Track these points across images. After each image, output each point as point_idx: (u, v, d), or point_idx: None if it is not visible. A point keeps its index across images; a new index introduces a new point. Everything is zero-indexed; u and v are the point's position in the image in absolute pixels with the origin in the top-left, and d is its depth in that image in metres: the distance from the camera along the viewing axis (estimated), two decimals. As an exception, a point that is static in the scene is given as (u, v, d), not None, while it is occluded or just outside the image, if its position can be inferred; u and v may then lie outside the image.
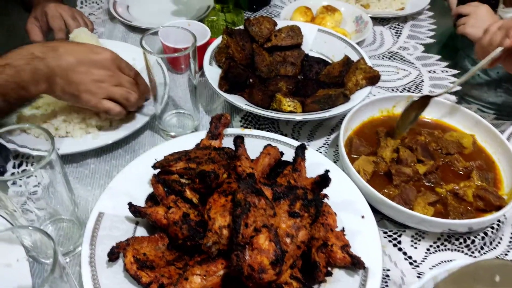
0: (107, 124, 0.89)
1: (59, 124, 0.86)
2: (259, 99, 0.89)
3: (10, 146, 0.82)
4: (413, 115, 0.88)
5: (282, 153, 0.76)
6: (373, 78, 0.93)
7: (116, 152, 0.89)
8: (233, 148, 0.75)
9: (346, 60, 1.00)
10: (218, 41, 1.04)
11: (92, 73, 0.80)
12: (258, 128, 0.96)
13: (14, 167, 0.83)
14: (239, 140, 0.74)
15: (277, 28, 1.09)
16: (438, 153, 0.84)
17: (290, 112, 0.90)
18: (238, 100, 0.90)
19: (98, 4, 1.33)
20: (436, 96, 0.90)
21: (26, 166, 0.84)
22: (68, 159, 0.86)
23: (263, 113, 0.86)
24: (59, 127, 0.86)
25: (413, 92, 1.09)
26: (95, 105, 0.82)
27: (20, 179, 0.73)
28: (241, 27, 1.08)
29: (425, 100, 0.89)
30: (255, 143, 0.82)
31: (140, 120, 0.90)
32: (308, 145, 0.92)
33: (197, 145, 0.78)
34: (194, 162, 0.68)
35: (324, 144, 0.93)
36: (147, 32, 0.83)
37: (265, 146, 0.75)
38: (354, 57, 1.03)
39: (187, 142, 0.81)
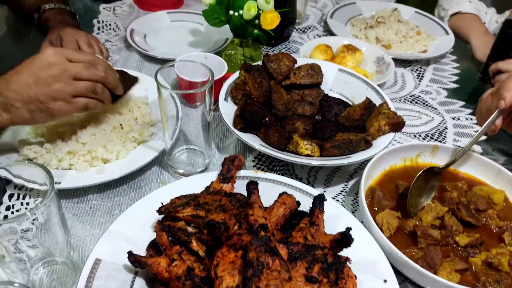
0: (113, 157, 0.85)
1: (63, 155, 0.81)
2: (275, 140, 0.84)
3: (5, 175, 0.77)
4: (424, 190, 0.80)
5: (298, 203, 0.70)
6: (397, 125, 0.88)
7: (121, 188, 0.83)
8: (245, 194, 0.69)
9: (368, 103, 0.95)
10: (235, 76, 1.00)
11: (44, 79, 0.72)
12: (272, 170, 0.90)
13: (10, 198, 0.78)
14: (252, 186, 0.68)
15: (296, 65, 1.06)
16: (480, 215, 0.78)
17: (307, 155, 0.85)
18: (252, 140, 0.85)
19: (115, 31, 1.32)
20: (443, 168, 0.82)
21: (23, 198, 0.79)
22: (69, 193, 0.81)
23: (279, 156, 0.81)
24: (63, 158, 0.82)
25: (436, 140, 1.03)
26: (69, 110, 0.76)
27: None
28: (259, 63, 1.04)
29: (432, 173, 0.82)
30: (269, 188, 0.76)
31: (148, 155, 0.86)
32: (324, 191, 0.86)
33: (207, 188, 0.72)
34: (203, 209, 0.62)
35: (342, 191, 0.87)
36: (163, 66, 0.79)
37: (280, 194, 0.69)
38: (376, 100, 0.98)
39: (197, 183, 0.75)
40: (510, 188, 0.83)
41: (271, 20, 0.97)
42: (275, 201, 0.68)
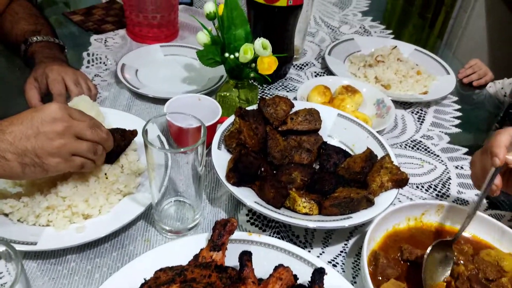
0: (96, 212, 0.78)
1: (42, 211, 0.75)
2: (271, 197, 0.79)
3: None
4: (438, 262, 0.74)
5: (296, 277, 0.64)
6: (400, 181, 0.83)
7: (102, 247, 0.77)
8: (237, 264, 0.63)
9: (369, 154, 0.90)
10: (229, 121, 0.95)
11: (46, 133, 0.68)
12: (267, 226, 0.85)
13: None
14: (245, 257, 0.62)
15: (293, 109, 1.01)
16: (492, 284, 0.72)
17: (305, 214, 0.79)
18: (246, 195, 0.80)
19: (105, 65, 1.26)
20: (453, 240, 0.76)
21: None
22: (45, 253, 0.74)
23: (274, 216, 0.75)
24: (41, 214, 0.75)
25: (440, 191, 0.98)
26: (64, 168, 0.71)
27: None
28: (255, 106, 0.99)
29: (443, 244, 0.76)
30: (263, 253, 0.70)
31: (133, 210, 0.79)
32: (323, 252, 0.81)
33: (196, 256, 0.66)
34: (190, 287, 0.56)
35: (342, 251, 0.81)
36: (151, 119, 0.74)
37: (276, 268, 0.63)
38: (377, 150, 0.93)
39: (185, 247, 0.69)
40: (519, 253, 0.77)
41: (268, 65, 0.93)
42: (270, 275, 0.62)
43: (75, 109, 0.74)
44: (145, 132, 0.70)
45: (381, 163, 0.87)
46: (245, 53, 0.92)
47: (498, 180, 0.74)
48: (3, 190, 0.80)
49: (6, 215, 0.76)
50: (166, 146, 0.89)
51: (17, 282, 0.47)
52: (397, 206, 0.79)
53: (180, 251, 0.69)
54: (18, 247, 0.70)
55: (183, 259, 0.66)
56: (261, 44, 0.90)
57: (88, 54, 1.29)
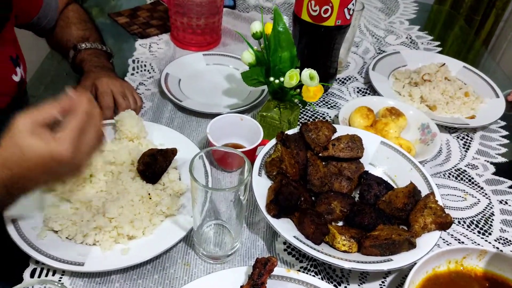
0: (140, 233, 0.81)
1: (89, 231, 0.78)
2: (311, 233, 0.79)
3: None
4: None
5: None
6: (444, 224, 0.81)
7: (144, 269, 0.80)
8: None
9: (413, 190, 0.88)
10: (270, 144, 0.95)
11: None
12: (304, 255, 0.85)
13: (32, 276, 0.76)
14: (285, 301, 0.63)
15: (335, 135, 1.00)
16: None
17: (344, 251, 0.79)
18: (286, 228, 0.80)
19: (149, 73, 1.28)
20: None
21: (46, 275, 0.76)
22: (92, 272, 0.77)
23: (313, 254, 0.75)
24: (89, 234, 0.78)
25: (482, 228, 0.95)
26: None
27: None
28: (296, 130, 0.99)
29: None
30: (301, 291, 0.71)
31: (175, 234, 0.82)
32: (359, 289, 0.80)
33: (236, 293, 0.68)
34: (231, 331, 0.58)
35: (378, 289, 0.81)
36: (200, 152, 0.75)
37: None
38: (421, 184, 0.91)
39: (224, 280, 0.71)
40: None
41: (314, 93, 0.92)
42: (308, 321, 0.63)
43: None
44: (191, 168, 0.71)
45: (425, 201, 0.85)
46: (290, 79, 0.92)
47: None
48: (53, 205, 0.84)
49: (56, 232, 0.80)
50: (207, 166, 0.91)
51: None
52: (439, 250, 0.78)
53: (221, 284, 0.71)
54: (67, 267, 0.74)
55: (223, 293, 0.68)
56: (309, 75, 0.89)
57: (134, 61, 1.31)
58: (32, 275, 0.76)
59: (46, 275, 0.76)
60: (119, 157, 0.90)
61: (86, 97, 0.69)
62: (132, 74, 1.28)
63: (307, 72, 0.90)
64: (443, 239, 0.92)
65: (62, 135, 0.65)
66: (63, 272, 0.77)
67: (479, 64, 1.57)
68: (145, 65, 1.31)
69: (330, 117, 1.22)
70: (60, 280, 0.76)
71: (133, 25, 1.48)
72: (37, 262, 0.77)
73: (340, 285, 0.81)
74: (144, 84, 1.24)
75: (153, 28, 1.48)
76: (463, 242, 0.91)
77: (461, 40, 1.79)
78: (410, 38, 1.63)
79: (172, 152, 0.93)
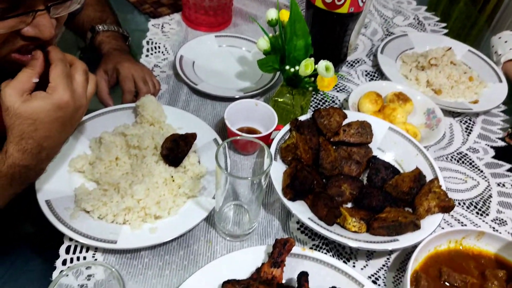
0: (165, 214, 0.87)
1: (119, 211, 0.85)
2: (324, 215, 0.86)
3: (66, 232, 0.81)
4: None
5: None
6: (446, 208, 0.88)
7: (170, 245, 0.87)
8: (291, 277, 0.72)
9: (418, 175, 0.95)
10: (284, 129, 1.00)
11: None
12: (316, 234, 0.92)
13: (67, 252, 0.82)
14: (303, 278, 0.71)
15: (346, 121, 1.05)
16: None
17: (354, 232, 0.86)
18: (301, 208, 0.87)
19: (163, 54, 1.31)
20: None
21: (80, 252, 0.83)
22: (123, 249, 0.84)
23: (327, 235, 0.82)
24: (119, 214, 0.85)
25: (480, 209, 1.02)
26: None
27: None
28: (308, 115, 1.04)
29: None
30: (315, 269, 0.79)
31: (198, 214, 0.88)
32: (366, 265, 0.88)
33: (258, 270, 0.75)
34: (257, 305, 0.65)
35: (384, 265, 0.89)
36: (223, 143, 0.80)
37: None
38: (426, 169, 0.98)
39: (246, 259, 0.78)
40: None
41: (328, 83, 0.96)
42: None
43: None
44: (217, 158, 0.76)
45: (429, 186, 0.91)
46: (306, 68, 0.96)
47: None
48: (82, 186, 0.90)
49: (87, 212, 0.86)
50: (227, 152, 0.96)
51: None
52: (441, 231, 0.85)
53: (242, 261, 0.78)
54: (102, 245, 0.81)
55: (245, 269, 0.76)
56: (325, 67, 0.93)
57: (148, 42, 1.34)
58: (67, 252, 0.83)
59: (80, 252, 0.83)
60: (143, 141, 0.95)
61: (54, 50, 0.73)
62: (147, 56, 1.31)
63: (323, 64, 0.94)
64: (445, 220, 0.99)
65: (52, 85, 0.71)
66: (96, 249, 0.84)
67: (483, 46, 1.59)
68: (159, 47, 1.34)
69: (339, 100, 1.26)
70: (93, 256, 0.83)
71: (145, 4, 1.50)
72: (70, 239, 0.84)
73: (348, 261, 0.88)
74: (159, 66, 1.28)
75: (164, 7, 1.49)
76: (462, 223, 0.99)
77: (465, 16, 1.81)
78: (418, 19, 1.65)
79: (192, 136, 0.98)
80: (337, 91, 1.29)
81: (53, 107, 0.71)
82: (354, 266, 0.88)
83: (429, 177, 0.96)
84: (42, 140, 0.73)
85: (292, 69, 0.99)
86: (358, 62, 1.41)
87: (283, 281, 0.76)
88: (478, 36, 1.74)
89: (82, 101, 0.76)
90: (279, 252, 0.75)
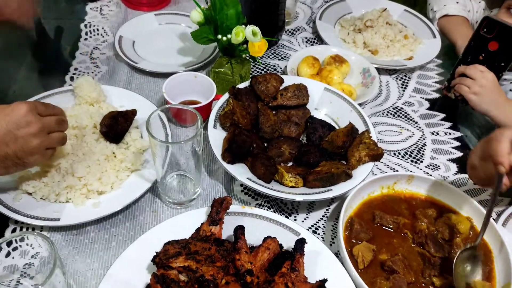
0: (108, 188, 0.89)
1: (61, 190, 0.86)
2: (261, 173, 0.90)
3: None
4: (469, 266, 0.82)
5: (281, 246, 0.76)
6: (376, 156, 0.93)
7: (116, 219, 0.89)
8: (231, 232, 0.76)
9: (351, 129, 0.99)
10: (223, 99, 1.03)
11: (23, 137, 0.75)
12: (259, 194, 0.96)
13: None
14: (239, 231, 0.75)
15: (283, 85, 1.08)
16: (447, 246, 0.85)
17: (292, 187, 0.90)
18: (240, 171, 0.91)
19: (103, 36, 1.31)
20: (475, 247, 0.81)
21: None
22: (68, 226, 0.86)
23: (265, 192, 0.86)
24: (61, 193, 0.86)
25: (415, 157, 1.09)
26: (41, 161, 0.82)
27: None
28: (247, 83, 1.07)
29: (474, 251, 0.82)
30: (255, 224, 0.83)
31: (141, 186, 0.91)
32: (307, 217, 0.93)
33: (197, 230, 0.78)
34: (194, 259, 0.69)
35: (323, 216, 0.94)
36: (154, 112, 0.82)
37: (265, 239, 0.75)
38: (359, 124, 1.02)
39: (188, 221, 0.81)
40: (476, 217, 0.90)
41: (258, 48, 0.99)
42: (260, 245, 0.75)
43: (40, 103, 0.80)
44: (148, 125, 0.78)
45: (360, 138, 0.96)
46: (237, 36, 0.98)
47: (506, 180, 0.79)
48: (25, 174, 0.91)
49: (30, 193, 0.87)
50: (166, 123, 0.98)
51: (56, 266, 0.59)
52: (372, 178, 0.90)
53: (184, 224, 0.81)
54: (45, 223, 0.83)
55: (187, 231, 0.79)
56: (251, 32, 0.95)
57: (86, 26, 1.33)
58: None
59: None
60: (81, 121, 0.96)
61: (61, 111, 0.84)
62: (86, 39, 1.30)
63: (249, 28, 0.96)
64: (380, 169, 1.04)
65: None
66: (41, 228, 0.86)
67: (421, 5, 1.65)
68: (97, 29, 1.33)
69: (280, 68, 1.30)
70: (40, 235, 0.85)
71: (81, -12, 1.47)
72: (16, 222, 0.85)
73: (290, 216, 0.93)
74: (99, 49, 1.27)
75: (102, -10, 1.47)
76: (397, 171, 1.05)
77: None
78: (356, -16, 1.68)
79: (132, 113, 0.99)
80: (279, 59, 1.32)
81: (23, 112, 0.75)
82: (295, 220, 0.92)
83: (361, 130, 1.01)
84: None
85: (225, 38, 1.01)
86: (299, 30, 1.44)
87: (224, 238, 0.79)
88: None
89: (43, 144, 0.78)
90: (216, 210, 0.79)
